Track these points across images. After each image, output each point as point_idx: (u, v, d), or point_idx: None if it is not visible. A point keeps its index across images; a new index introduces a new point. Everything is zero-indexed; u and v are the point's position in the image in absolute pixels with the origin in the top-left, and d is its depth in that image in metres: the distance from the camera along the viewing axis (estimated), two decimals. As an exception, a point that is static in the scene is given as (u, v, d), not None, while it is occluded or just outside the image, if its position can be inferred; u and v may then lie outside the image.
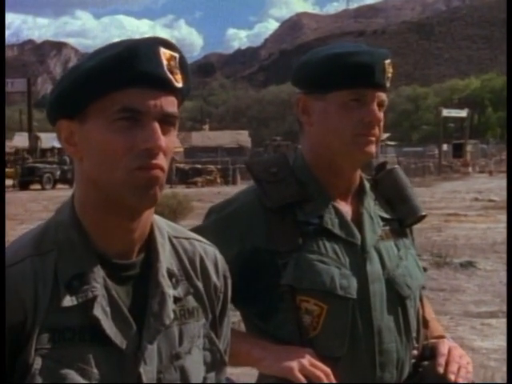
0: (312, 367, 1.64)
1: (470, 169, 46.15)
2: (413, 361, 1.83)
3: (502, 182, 20.47)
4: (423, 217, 1.90)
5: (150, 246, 1.32)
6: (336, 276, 1.71)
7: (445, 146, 55.30)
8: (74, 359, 1.21)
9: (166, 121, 1.24)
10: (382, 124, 1.78)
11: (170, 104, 1.24)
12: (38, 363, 1.20)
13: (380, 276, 1.76)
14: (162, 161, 1.23)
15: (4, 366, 1.20)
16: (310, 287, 1.70)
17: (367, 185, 1.88)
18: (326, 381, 1.63)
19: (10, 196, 25.28)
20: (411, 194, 1.90)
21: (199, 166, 41.22)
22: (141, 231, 1.30)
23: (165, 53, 1.24)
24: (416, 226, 1.95)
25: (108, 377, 1.23)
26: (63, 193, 23.64)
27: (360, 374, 1.74)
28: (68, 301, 1.23)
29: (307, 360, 1.65)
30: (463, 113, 59.25)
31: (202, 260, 1.40)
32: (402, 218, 1.88)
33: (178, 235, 1.39)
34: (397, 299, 1.78)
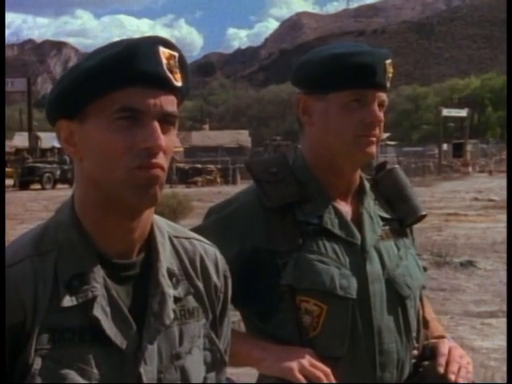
0: (312, 367, 1.64)
1: (470, 168, 46.14)
2: (413, 361, 1.82)
3: (502, 181, 20.47)
4: (423, 216, 1.90)
5: (150, 245, 1.32)
6: (336, 276, 1.71)
7: (445, 146, 55.29)
8: (74, 359, 1.21)
9: (166, 120, 1.24)
10: (382, 124, 1.78)
11: (169, 103, 1.24)
12: (37, 363, 1.20)
13: (380, 276, 1.76)
14: (161, 160, 1.23)
15: (4, 366, 1.20)
16: (309, 287, 1.70)
17: (367, 185, 1.88)
18: (325, 381, 1.63)
19: (10, 196, 25.28)
20: (411, 194, 1.90)
21: (199, 166, 41.21)
22: (141, 231, 1.30)
23: (164, 52, 1.24)
24: (416, 226, 1.95)
25: (108, 377, 1.23)
26: (63, 192, 23.65)
27: (360, 374, 1.74)
28: (68, 301, 1.22)
29: (307, 360, 1.65)
30: (463, 112, 59.24)
31: (202, 260, 1.40)
32: (402, 217, 1.88)
33: (178, 235, 1.39)
34: (397, 299, 1.78)
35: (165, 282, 1.31)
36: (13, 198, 24.49)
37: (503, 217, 14.04)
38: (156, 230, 1.34)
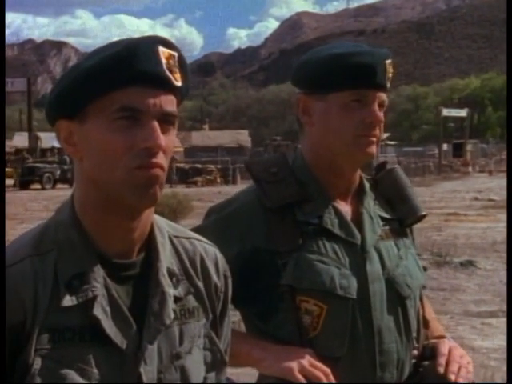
0: (312, 367, 1.64)
1: (470, 168, 46.15)
2: (413, 361, 1.82)
3: (502, 181, 20.47)
4: (423, 216, 1.90)
5: (150, 245, 1.32)
6: (336, 276, 1.71)
7: (445, 146, 55.29)
8: (74, 359, 1.21)
9: (166, 120, 1.24)
10: (382, 124, 1.78)
11: (169, 103, 1.24)
12: (37, 363, 1.20)
13: (380, 276, 1.76)
14: (161, 160, 1.23)
15: (4, 366, 1.20)
16: (309, 287, 1.70)
17: (367, 185, 1.88)
18: (325, 381, 1.63)
19: (10, 196, 25.28)
20: (411, 194, 1.90)
21: (199, 166, 41.21)
22: (141, 231, 1.30)
23: (164, 52, 1.24)
24: (416, 226, 1.95)
25: (108, 377, 1.23)
26: (63, 192, 23.65)
27: (360, 374, 1.74)
28: (68, 301, 1.22)
29: (307, 360, 1.65)
30: (463, 112, 59.25)
31: (202, 259, 1.40)
32: (402, 217, 1.88)
33: (178, 235, 1.39)
34: (397, 299, 1.78)
35: (165, 281, 1.31)
36: (13, 197, 24.49)
37: (503, 216, 14.04)
38: (156, 230, 1.34)
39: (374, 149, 1.77)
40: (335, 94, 1.74)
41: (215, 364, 1.38)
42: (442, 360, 1.74)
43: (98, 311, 1.23)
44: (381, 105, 1.77)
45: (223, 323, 1.43)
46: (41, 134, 45.41)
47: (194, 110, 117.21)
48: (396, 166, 1.96)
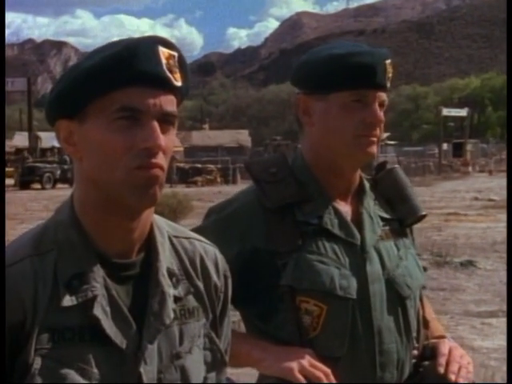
0: (312, 367, 1.64)
1: (470, 168, 46.14)
2: (413, 361, 1.82)
3: (502, 181, 20.46)
4: (423, 216, 1.90)
5: (149, 245, 1.32)
6: (336, 276, 1.71)
7: (445, 146, 55.28)
8: (74, 359, 1.21)
9: (166, 120, 1.24)
10: (382, 124, 1.78)
11: (169, 103, 1.24)
12: (37, 363, 1.20)
13: (380, 276, 1.76)
14: (161, 160, 1.23)
15: (4, 366, 1.20)
16: (309, 287, 1.70)
17: (367, 185, 1.88)
18: (325, 381, 1.63)
19: (11, 195, 25.29)
20: (411, 194, 1.90)
21: (199, 166, 41.21)
22: (141, 231, 1.30)
23: (164, 52, 1.24)
24: (416, 226, 1.94)
25: (108, 377, 1.23)
26: (63, 192, 23.64)
27: (360, 374, 1.74)
28: (68, 300, 1.22)
29: (307, 360, 1.65)
30: (463, 112, 59.24)
31: (202, 259, 1.40)
32: (402, 217, 1.88)
33: (177, 235, 1.39)
34: (397, 299, 1.78)
35: (165, 281, 1.31)
36: (13, 197, 24.50)
37: (503, 216, 14.04)
38: (156, 230, 1.34)
39: (374, 149, 1.77)
40: (335, 94, 1.74)
41: (215, 364, 1.38)
42: (442, 360, 1.74)
43: (97, 311, 1.23)
44: (381, 104, 1.77)
45: (223, 323, 1.43)
46: (41, 134, 45.43)
47: (194, 109, 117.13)
48: (396, 165, 1.96)
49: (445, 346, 1.78)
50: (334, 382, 1.64)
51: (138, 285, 1.30)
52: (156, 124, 1.22)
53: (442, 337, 1.86)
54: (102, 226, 1.27)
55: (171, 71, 1.24)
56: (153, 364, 1.27)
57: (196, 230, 1.66)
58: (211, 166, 40.72)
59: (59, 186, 34.47)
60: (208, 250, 1.42)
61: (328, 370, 1.64)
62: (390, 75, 1.79)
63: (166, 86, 1.23)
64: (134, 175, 1.21)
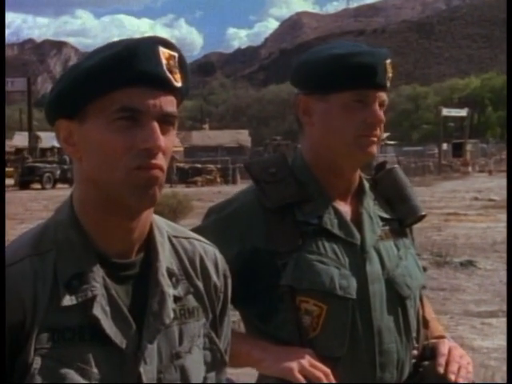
0: (311, 368, 1.64)
1: (470, 168, 46.14)
2: (413, 361, 1.82)
3: (502, 181, 20.45)
4: (423, 216, 1.90)
5: (149, 245, 1.32)
6: (335, 276, 1.71)
7: (445, 146, 55.27)
8: (74, 359, 1.21)
9: (166, 120, 1.24)
10: (382, 124, 1.78)
11: (169, 103, 1.24)
12: (37, 363, 1.20)
13: (380, 276, 1.76)
14: (161, 161, 1.23)
15: (4, 366, 1.20)
16: (309, 287, 1.70)
17: (366, 185, 1.88)
18: (325, 381, 1.63)
19: (11, 195, 25.28)
20: (411, 194, 1.90)
21: (199, 166, 41.22)
22: (140, 231, 1.30)
23: (164, 52, 1.24)
24: (416, 226, 1.94)
25: (108, 376, 1.23)
26: (63, 192, 23.63)
27: (360, 374, 1.74)
28: (67, 300, 1.22)
29: (307, 361, 1.64)
30: (463, 112, 59.25)
31: (201, 259, 1.40)
32: (402, 217, 1.88)
33: (177, 235, 1.39)
34: (397, 299, 1.78)
35: (164, 281, 1.31)
36: (13, 197, 24.50)
37: (503, 216, 14.04)
38: (155, 230, 1.34)
39: (374, 149, 1.77)
40: (336, 94, 1.74)
41: (215, 364, 1.38)
42: (442, 360, 1.74)
43: (97, 311, 1.23)
44: (381, 104, 1.77)
45: (223, 323, 1.43)
46: (41, 134, 45.42)
47: (194, 109, 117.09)
48: (395, 165, 1.96)
49: (444, 346, 1.78)
50: (333, 382, 1.64)
51: (138, 285, 1.30)
52: (156, 125, 1.22)
53: (442, 337, 1.86)
54: (101, 225, 1.27)
55: (171, 72, 1.24)
56: (152, 364, 1.27)
57: (196, 229, 1.66)
58: (211, 166, 40.72)
59: (59, 185, 34.47)
60: (208, 250, 1.42)
61: (328, 370, 1.64)
62: (390, 75, 1.79)
63: (166, 87, 1.23)
64: (134, 175, 1.22)
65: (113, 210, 1.26)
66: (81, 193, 1.29)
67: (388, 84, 1.79)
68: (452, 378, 1.71)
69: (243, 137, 67.61)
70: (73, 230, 1.27)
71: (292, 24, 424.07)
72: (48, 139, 42.13)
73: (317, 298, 1.70)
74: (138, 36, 1.28)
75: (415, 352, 1.84)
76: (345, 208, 1.80)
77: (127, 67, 1.21)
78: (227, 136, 67.07)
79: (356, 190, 1.84)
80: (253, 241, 1.73)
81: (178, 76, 1.25)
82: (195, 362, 1.33)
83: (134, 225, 1.28)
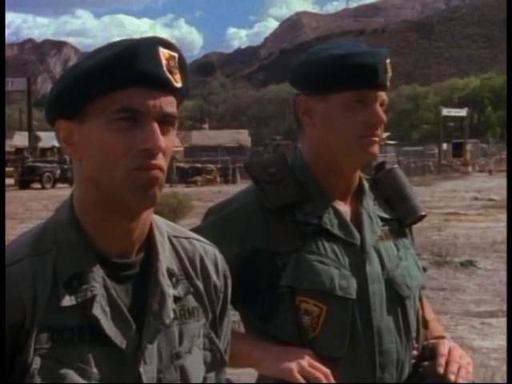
0: (311, 368, 1.63)
1: (470, 168, 46.14)
2: (413, 361, 1.82)
3: (502, 181, 20.45)
4: (423, 217, 1.90)
5: (149, 245, 1.32)
6: (335, 276, 1.71)
7: (445, 145, 55.27)
8: (74, 359, 1.21)
9: (166, 121, 1.24)
10: (383, 124, 1.78)
11: (169, 104, 1.24)
12: (37, 363, 1.20)
13: (379, 276, 1.76)
14: (161, 161, 1.23)
15: (4, 366, 1.20)
16: (309, 288, 1.70)
17: (366, 185, 1.88)
18: (325, 381, 1.63)
19: (11, 195, 25.29)
20: (410, 194, 1.90)
21: (199, 165, 41.20)
22: (140, 231, 1.30)
23: (164, 53, 1.24)
24: (416, 226, 1.94)
25: (108, 377, 1.23)
26: (63, 192, 23.64)
27: (360, 374, 1.74)
28: (67, 300, 1.22)
29: (306, 361, 1.64)
30: (463, 112, 59.26)
31: (201, 259, 1.40)
32: (402, 217, 1.87)
33: (177, 235, 1.39)
34: (396, 299, 1.77)
35: (164, 281, 1.31)
36: (13, 197, 24.50)
37: (503, 216, 14.04)
38: (155, 230, 1.34)
39: (376, 149, 1.77)
40: (336, 94, 1.74)
41: (215, 364, 1.38)
42: (442, 360, 1.74)
43: (97, 311, 1.23)
44: (381, 104, 1.77)
45: (223, 323, 1.43)
46: (41, 134, 45.40)
47: (194, 109, 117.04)
48: (395, 165, 1.96)
49: (444, 347, 1.78)
50: (333, 382, 1.64)
51: (138, 285, 1.30)
52: (156, 125, 1.22)
53: (442, 337, 1.86)
54: (101, 226, 1.27)
55: (171, 72, 1.24)
56: (152, 364, 1.27)
57: (195, 229, 1.66)
58: (211, 166, 40.72)
59: (59, 185, 34.48)
60: (208, 250, 1.42)
61: (327, 371, 1.64)
62: (390, 75, 1.79)
63: (166, 87, 1.23)
64: (134, 176, 1.22)
65: (113, 210, 1.26)
66: (81, 193, 1.29)
67: (388, 83, 1.79)
68: (452, 378, 1.71)
69: (243, 137, 67.58)
70: (73, 230, 1.27)
71: (292, 24, 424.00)
72: (48, 139, 42.10)
73: (317, 298, 1.70)
74: (137, 36, 1.28)
75: (415, 352, 1.83)
76: (345, 208, 1.80)
77: (127, 67, 1.21)
78: (227, 136, 67.03)
79: (356, 190, 1.84)
80: (253, 241, 1.73)
81: (177, 76, 1.25)
82: (195, 362, 1.33)
83: (134, 225, 1.28)
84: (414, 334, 1.83)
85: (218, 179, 38.45)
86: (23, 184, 34.28)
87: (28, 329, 1.21)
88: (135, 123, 1.22)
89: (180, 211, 15.44)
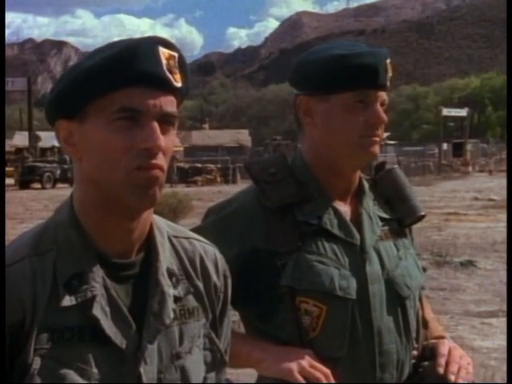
0: (311, 368, 1.63)
1: (470, 168, 46.14)
2: (413, 361, 1.82)
3: (502, 181, 20.45)
4: (422, 217, 1.90)
5: (149, 245, 1.32)
6: (335, 277, 1.71)
7: (445, 145, 55.27)
8: (74, 359, 1.21)
9: (166, 120, 1.24)
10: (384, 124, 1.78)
11: (169, 104, 1.24)
12: (37, 363, 1.20)
13: (379, 276, 1.76)
14: (161, 161, 1.23)
15: (4, 366, 1.20)
16: (309, 288, 1.70)
17: (366, 185, 1.87)
18: (325, 381, 1.63)
19: (11, 195, 25.27)
20: (410, 194, 1.90)
21: (199, 165, 41.19)
22: (140, 231, 1.30)
23: (164, 52, 1.24)
24: (416, 226, 1.94)
25: (108, 377, 1.23)
26: (63, 192, 23.64)
27: (360, 374, 1.73)
28: (67, 300, 1.22)
29: (306, 361, 1.64)
30: (463, 112, 59.26)
31: (202, 260, 1.40)
32: (401, 218, 1.87)
33: (177, 235, 1.39)
34: (396, 300, 1.77)
35: (164, 281, 1.31)
36: (13, 197, 24.49)
37: (503, 216, 14.04)
38: (155, 230, 1.34)
39: (376, 149, 1.77)
40: (337, 94, 1.74)
41: (215, 364, 1.38)
42: (442, 360, 1.74)
43: (97, 311, 1.23)
44: (382, 104, 1.77)
45: (223, 323, 1.43)
46: (41, 134, 45.40)
47: (194, 109, 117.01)
48: (395, 166, 1.96)
49: (444, 347, 1.78)
50: (333, 382, 1.64)
51: (138, 285, 1.30)
52: (156, 125, 1.22)
53: (442, 337, 1.86)
54: (101, 226, 1.27)
55: (171, 72, 1.24)
56: (153, 364, 1.27)
57: (195, 229, 1.66)
58: (211, 166, 40.71)
59: (59, 185, 34.46)
60: (208, 250, 1.42)
61: (327, 371, 1.64)
62: (390, 75, 1.79)
63: (166, 87, 1.23)
64: (134, 176, 1.22)
65: (113, 210, 1.26)
66: (81, 193, 1.29)
67: (388, 84, 1.79)
68: (452, 378, 1.71)
69: (243, 137, 67.57)
70: (73, 230, 1.27)
71: (292, 24, 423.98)
72: (48, 139, 42.10)
73: (316, 298, 1.70)
74: (138, 36, 1.28)
75: (415, 352, 1.83)
76: (344, 208, 1.80)
77: (127, 67, 1.21)
78: (227, 136, 67.03)
79: (356, 191, 1.84)
80: (253, 241, 1.73)
81: (177, 76, 1.25)
82: (195, 363, 1.33)
83: (134, 225, 1.28)
84: (414, 334, 1.83)
85: (218, 179, 38.45)
86: (23, 184, 34.27)
87: (28, 329, 1.21)
88: (135, 123, 1.22)
89: (180, 211, 15.44)
